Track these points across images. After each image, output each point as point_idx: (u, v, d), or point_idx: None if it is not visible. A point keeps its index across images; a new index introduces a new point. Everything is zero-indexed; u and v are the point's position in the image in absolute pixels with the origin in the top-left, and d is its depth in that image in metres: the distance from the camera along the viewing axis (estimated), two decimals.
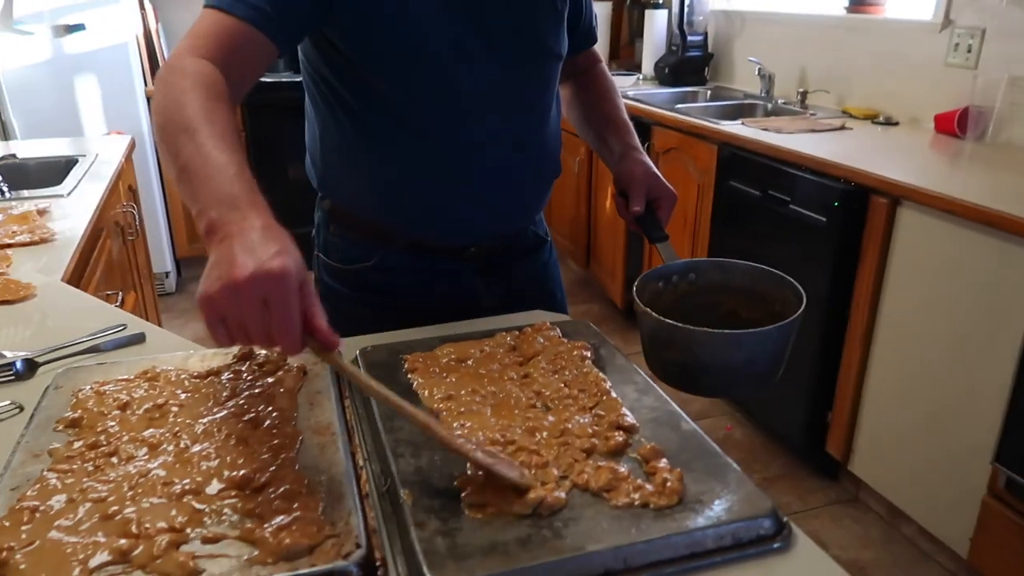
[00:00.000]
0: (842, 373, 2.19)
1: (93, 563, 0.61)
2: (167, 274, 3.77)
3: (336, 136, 1.13)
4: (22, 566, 0.60)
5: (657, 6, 3.76)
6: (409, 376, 0.90)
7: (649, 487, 0.70)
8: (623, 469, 0.73)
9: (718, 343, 0.93)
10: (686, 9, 3.51)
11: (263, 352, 0.94)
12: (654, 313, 0.95)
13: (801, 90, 2.98)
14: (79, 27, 3.25)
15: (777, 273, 1.05)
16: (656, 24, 3.71)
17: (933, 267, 1.88)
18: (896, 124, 2.63)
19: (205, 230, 0.72)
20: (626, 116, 1.31)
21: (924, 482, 1.98)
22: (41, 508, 0.67)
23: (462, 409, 0.82)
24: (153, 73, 3.69)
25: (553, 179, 1.26)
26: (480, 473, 0.71)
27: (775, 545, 0.65)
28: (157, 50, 3.71)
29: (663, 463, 0.73)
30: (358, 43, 1.03)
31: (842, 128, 2.58)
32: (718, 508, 0.67)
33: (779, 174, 2.31)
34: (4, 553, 0.61)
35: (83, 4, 3.26)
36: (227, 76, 0.89)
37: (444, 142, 1.10)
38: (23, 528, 0.64)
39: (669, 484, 0.69)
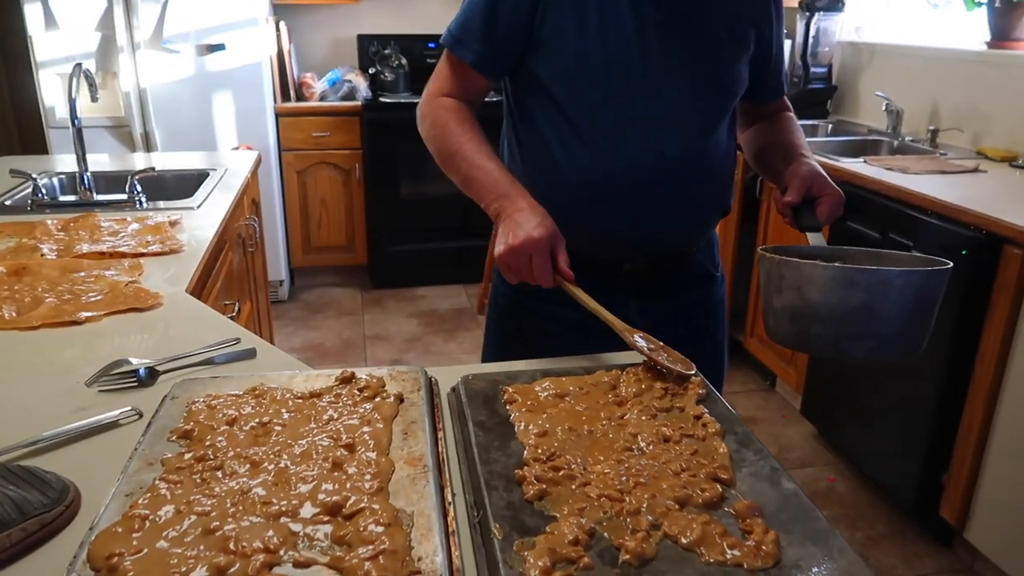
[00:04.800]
0: (962, 432, 2.05)
1: None
2: (281, 282, 3.95)
3: (515, 143, 1.27)
4: (130, 573, 0.64)
5: None
6: (508, 407, 0.91)
7: (745, 546, 0.68)
8: (718, 524, 0.70)
9: (829, 279, 0.87)
10: (811, 40, 3.41)
11: (363, 376, 0.97)
12: (766, 254, 0.91)
13: (932, 128, 2.83)
14: (219, 47, 3.47)
15: (937, 259, 0.96)
16: None
17: None
18: None
19: (493, 215, 1.11)
20: (806, 142, 1.29)
21: None
22: (151, 517, 0.71)
23: (555, 445, 0.82)
24: (283, 91, 3.89)
25: (717, 212, 1.30)
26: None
27: None
28: (288, 70, 3.92)
29: (760, 522, 0.71)
30: (548, 66, 1.17)
31: (975, 170, 2.43)
32: None
33: (902, 217, 2.19)
34: (115, 558, 0.65)
35: (224, 26, 3.48)
36: (467, 103, 1.22)
37: (609, 155, 1.17)
38: (134, 536, 0.68)
39: (765, 548, 0.67)
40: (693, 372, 0.97)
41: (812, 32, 3.39)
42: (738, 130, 1.40)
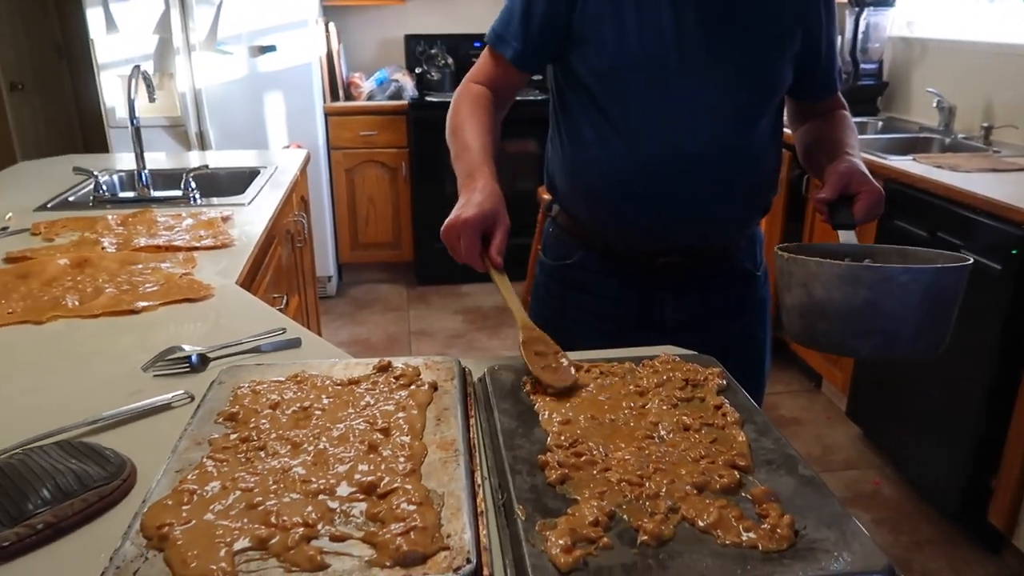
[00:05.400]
0: (1011, 435, 2.00)
1: (237, 547, 0.68)
2: (329, 278, 4.03)
3: (557, 139, 1.30)
4: (179, 542, 0.68)
5: None
6: (532, 397, 0.94)
7: (760, 529, 0.69)
8: (735, 508, 0.72)
9: (833, 277, 0.88)
10: (860, 35, 3.36)
11: (400, 365, 1.01)
12: (780, 251, 0.92)
13: (985, 125, 2.77)
14: (271, 48, 3.57)
15: (963, 257, 0.96)
16: None
17: None
18: None
19: (459, 193, 1.11)
20: (856, 141, 1.28)
21: None
22: (199, 492, 0.75)
23: (578, 432, 0.85)
24: (332, 91, 3.98)
25: (756, 210, 1.30)
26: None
27: None
28: (337, 70, 4.00)
29: (776, 506, 0.72)
30: (586, 64, 1.19)
31: None
32: (829, 558, 0.66)
33: (952, 216, 2.15)
34: (165, 528, 0.70)
35: (276, 27, 3.58)
36: (495, 93, 1.28)
37: (646, 152, 1.18)
38: (183, 508, 0.73)
39: (780, 531, 0.68)
40: (568, 385, 0.94)
41: (862, 27, 3.33)
42: (791, 127, 1.39)
